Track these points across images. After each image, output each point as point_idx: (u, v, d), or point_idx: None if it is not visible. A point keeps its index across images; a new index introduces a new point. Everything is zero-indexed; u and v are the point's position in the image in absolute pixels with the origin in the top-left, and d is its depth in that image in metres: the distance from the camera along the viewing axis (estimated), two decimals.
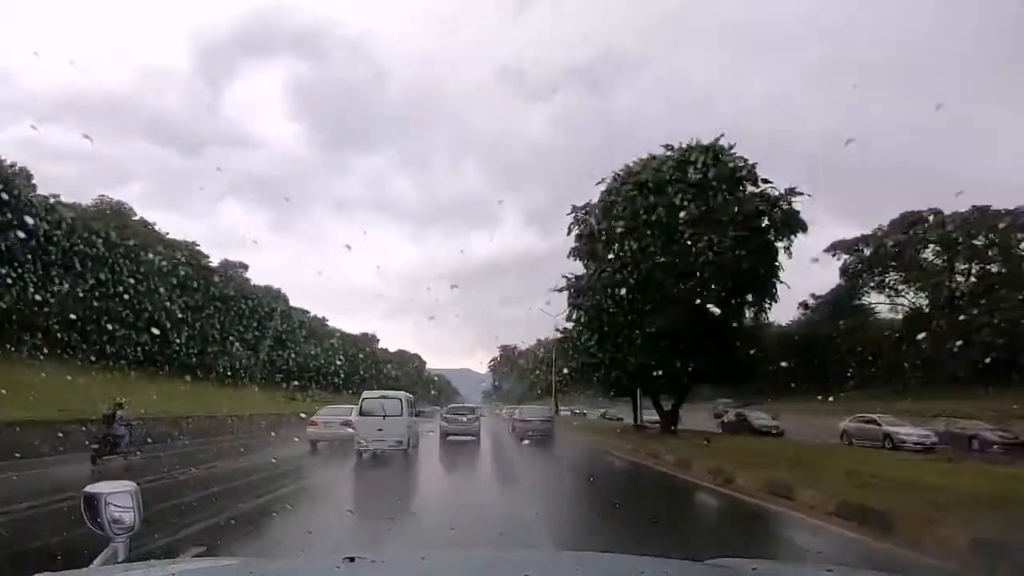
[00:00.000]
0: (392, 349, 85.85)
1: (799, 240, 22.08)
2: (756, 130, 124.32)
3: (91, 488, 1.74)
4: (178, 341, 31.34)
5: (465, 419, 23.81)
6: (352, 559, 1.42)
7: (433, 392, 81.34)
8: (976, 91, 77.08)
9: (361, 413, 16.18)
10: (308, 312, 55.43)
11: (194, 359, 32.67)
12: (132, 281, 28.27)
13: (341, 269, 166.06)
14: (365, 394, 17.08)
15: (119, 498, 1.73)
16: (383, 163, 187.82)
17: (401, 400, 16.57)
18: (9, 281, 21.39)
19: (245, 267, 52.27)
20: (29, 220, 23.05)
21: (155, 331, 28.07)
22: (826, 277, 47.12)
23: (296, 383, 41.37)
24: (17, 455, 12.21)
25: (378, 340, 77.41)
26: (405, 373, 76.35)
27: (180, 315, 32.22)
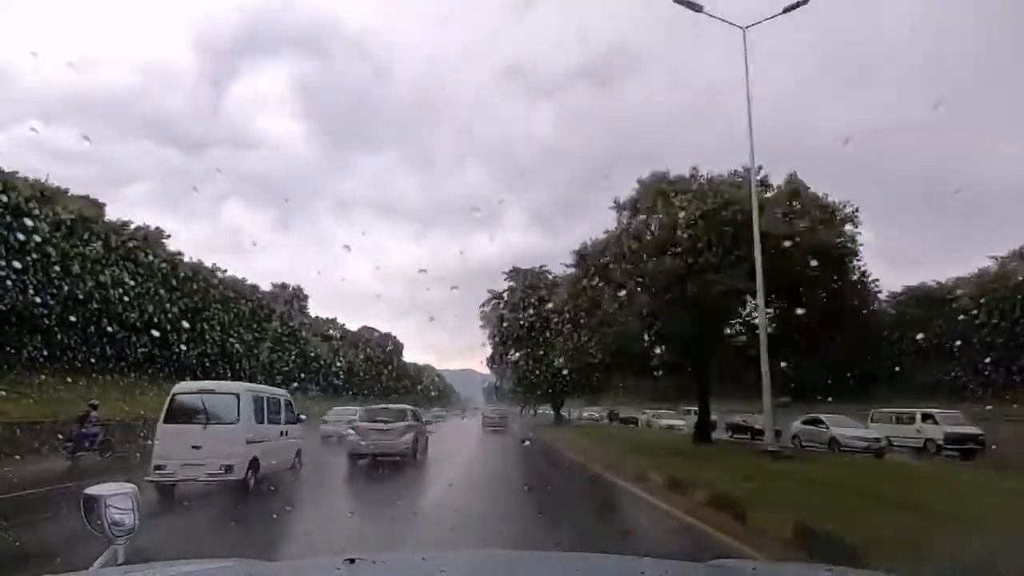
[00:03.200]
0: (355, 328, 65.76)
1: None
2: (760, 129, 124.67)
3: (91, 490, 1.74)
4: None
5: (386, 427, 14.70)
6: (352, 560, 1.43)
7: (434, 393, 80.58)
8: (974, 88, 77.22)
9: (167, 419, 9.91)
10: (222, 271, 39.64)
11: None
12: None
13: (344, 270, 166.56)
14: (177, 388, 10.53)
15: (119, 500, 1.74)
16: (386, 163, 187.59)
17: (238, 397, 10.19)
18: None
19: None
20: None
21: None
22: None
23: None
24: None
25: (306, 298, 49.47)
26: (373, 359, 56.75)
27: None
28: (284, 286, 47.00)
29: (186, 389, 10.61)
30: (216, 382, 12.48)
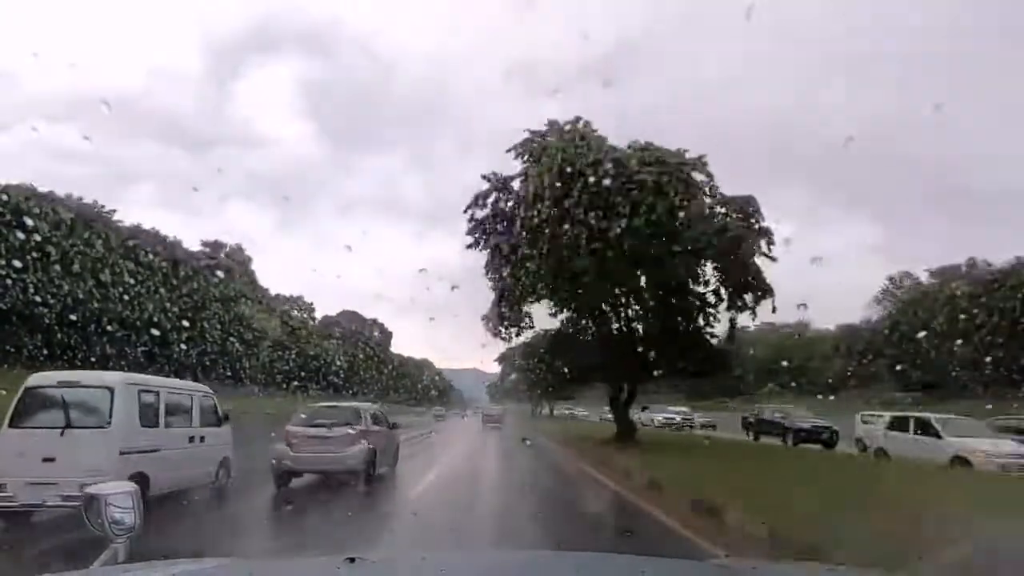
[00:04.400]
0: (334, 313, 62.32)
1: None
2: (763, 125, 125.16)
3: (92, 489, 1.75)
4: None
5: (328, 434, 10.68)
6: (352, 559, 1.43)
7: (434, 392, 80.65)
8: (973, 88, 77.65)
9: (13, 421, 7.42)
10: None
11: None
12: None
13: (344, 268, 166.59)
14: (31, 380, 7.87)
15: (119, 499, 1.74)
16: (388, 162, 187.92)
17: (112, 392, 7.58)
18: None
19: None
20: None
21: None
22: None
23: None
24: None
25: (248, 261, 40.58)
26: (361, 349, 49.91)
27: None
28: (218, 244, 36.40)
29: (42, 382, 7.80)
30: (84, 372, 9.44)
